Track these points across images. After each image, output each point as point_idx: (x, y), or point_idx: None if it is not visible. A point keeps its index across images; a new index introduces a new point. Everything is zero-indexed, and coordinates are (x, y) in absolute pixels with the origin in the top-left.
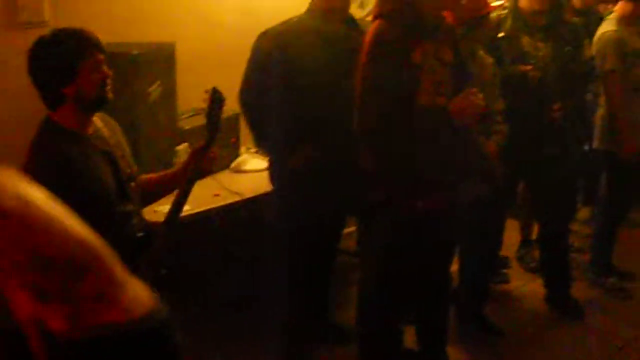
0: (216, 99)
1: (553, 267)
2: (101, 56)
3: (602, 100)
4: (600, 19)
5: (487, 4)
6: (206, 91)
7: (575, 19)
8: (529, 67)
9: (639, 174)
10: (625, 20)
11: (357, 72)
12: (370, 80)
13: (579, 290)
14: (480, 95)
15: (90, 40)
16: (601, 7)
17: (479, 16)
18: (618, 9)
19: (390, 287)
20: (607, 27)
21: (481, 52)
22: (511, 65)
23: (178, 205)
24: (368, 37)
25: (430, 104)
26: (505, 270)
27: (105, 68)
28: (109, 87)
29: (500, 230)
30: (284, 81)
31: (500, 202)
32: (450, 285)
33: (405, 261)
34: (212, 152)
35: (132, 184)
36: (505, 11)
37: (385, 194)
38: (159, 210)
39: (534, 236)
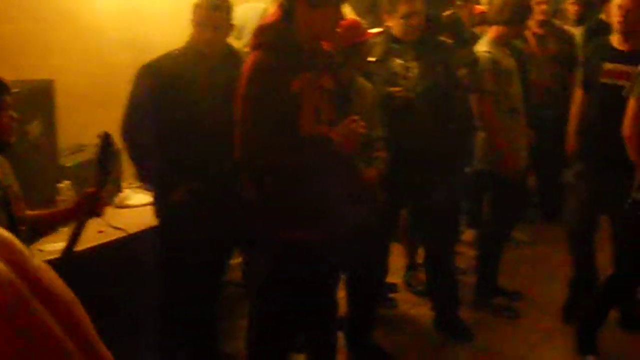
0: (107, 143)
1: (440, 290)
2: (9, 99)
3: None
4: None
5: (364, 32)
6: (98, 135)
7: (449, 41)
8: (397, 89)
9: (521, 193)
10: (497, 42)
11: (236, 103)
12: (250, 111)
13: (467, 311)
14: (362, 123)
15: (2, 82)
16: (478, 29)
17: (357, 43)
18: (492, 31)
19: (277, 316)
20: (480, 47)
21: (360, 79)
22: (381, 87)
23: (69, 249)
24: (246, 68)
25: (311, 133)
26: (393, 295)
27: (12, 111)
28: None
29: (385, 255)
30: (163, 114)
31: (384, 228)
32: (336, 312)
33: (290, 291)
34: (102, 196)
35: (23, 227)
36: (381, 37)
37: (267, 224)
38: (44, 249)
39: (420, 260)
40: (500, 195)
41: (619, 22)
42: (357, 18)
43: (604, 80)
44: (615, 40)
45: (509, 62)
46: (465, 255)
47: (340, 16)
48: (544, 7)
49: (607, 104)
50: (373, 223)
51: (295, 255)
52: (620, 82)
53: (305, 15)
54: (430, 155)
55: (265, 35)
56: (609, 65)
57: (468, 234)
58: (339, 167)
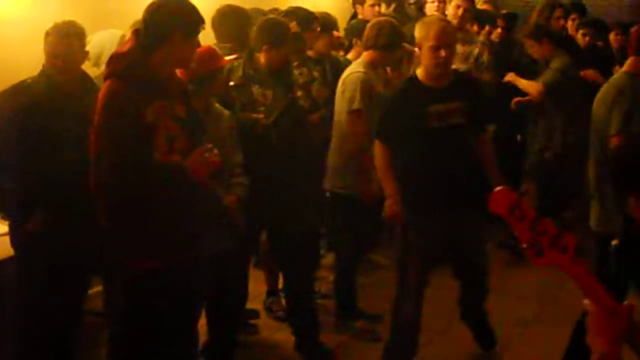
0: None
1: (300, 314)
2: None
3: (336, 142)
4: (338, 62)
5: (219, 59)
6: None
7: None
8: (260, 116)
9: (378, 216)
10: (371, 65)
11: (91, 131)
12: (104, 139)
13: (328, 335)
14: (215, 151)
15: None
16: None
17: (212, 71)
18: (366, 55)
19: (136, 346)
20: (355, 68)
21: (217, 106)
22: (241, 112)
23: None
24: (100, 97)
25: (165, 161)
26: (254, 321)
27: None
28: None
29: (244, 281)
30: (18, 143)
31: (244, 253)
32: (198, 340)
33: (148, 319)
34: None
35: None
36: (238, 60)
37: (122, 252)
38: None
39: (281, 285)
40: (356, 218)
41: (442, 62)
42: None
43: (433, 124)
44: (425, 77)
45: (379, 87)
46: (326, 279)
47: (198, 43)
48: None
49: (441, 146)
50: (232, 248)
51: (152, 283)
52: (453, 121)
53: (179, 45)
54: (288, 181)
55: (119, 63)
56: (435, 108)
57: (329, 258)
58: (195, 194)
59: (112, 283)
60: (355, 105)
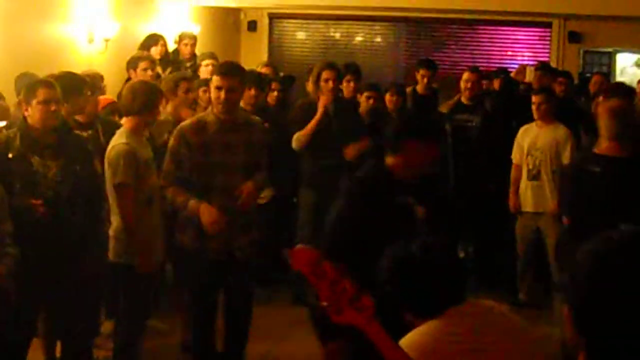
0: None
1: None
2: None
3: (114, 212)
4: (111, 124)
5: None
6: None
7: (83, 134)
8: (38, 202)
9: (156, 283)
10: (134, 132)
11: None
12: None
13: None
14: None
15: None
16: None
17: None
18: (127, 122)
19: None
20: (117, 139)
21: None
22: (21, 193)
23: None
24: None
25: None
26: None
27: None
28: None
29: (23, 350)
30: None
31: (21, 326)
32: None
33: None
34: None
35: None
36: (14, 129)
37: None
38: None
39: (58, 354)
40: (135, 288)
41: None
42: None
43: None
44: None
45: (147, 152)
46: (104, 346)
47: None
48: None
49: None
50: (6, 319)
51: None
52: None
53: None
54: (60, 249)
55: None
56: None
57: (107, 326)
58: None
59: None
60: (118, 179)
